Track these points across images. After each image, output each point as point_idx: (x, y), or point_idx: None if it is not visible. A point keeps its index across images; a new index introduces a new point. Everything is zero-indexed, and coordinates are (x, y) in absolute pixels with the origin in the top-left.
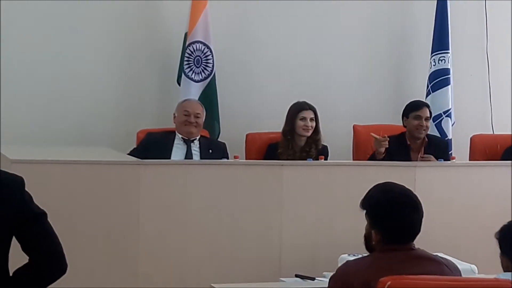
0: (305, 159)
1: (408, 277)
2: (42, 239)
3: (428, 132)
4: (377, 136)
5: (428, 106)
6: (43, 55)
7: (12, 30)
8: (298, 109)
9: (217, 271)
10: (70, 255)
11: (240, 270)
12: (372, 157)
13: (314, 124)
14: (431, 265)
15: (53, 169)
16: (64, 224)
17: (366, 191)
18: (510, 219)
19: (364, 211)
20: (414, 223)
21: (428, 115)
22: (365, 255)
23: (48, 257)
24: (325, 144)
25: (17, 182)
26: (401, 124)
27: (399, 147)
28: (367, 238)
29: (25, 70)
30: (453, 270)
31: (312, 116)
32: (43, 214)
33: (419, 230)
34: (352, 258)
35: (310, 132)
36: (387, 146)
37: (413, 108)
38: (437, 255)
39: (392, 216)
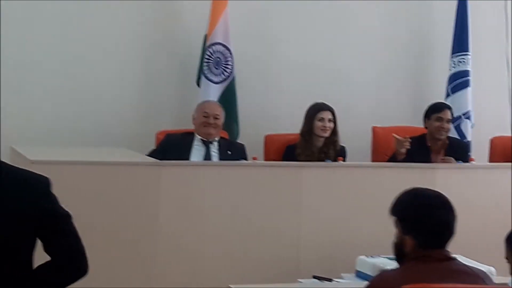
0: (323, 160)
1: (431, 285)
2: (64, 240)
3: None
4: (399, 137)
5: (450, 108)
6: (62, 56)
7: (33, 30)
8: (316, 109)
9: (235, 272)
10: (88, 255)
11: (258, 271)
12: (392, 159)
13: (332, 125)
14: (468, 278)
15: (72, 169)
16: (83, 224)
17: (395, 198)
18: None
19: (395, 218)
20: (450, 225)
21: (450, 117)
22: (397, 265)
23: (69, 257)
24: (343, 145)
25: (44, 183)
26: (420, 126)
27: (420, 148)
28: (399, 246)
29: (45, 70)
30: (490, 284)
31: (330, 117)
32: (68, 216)
33: (453, 232)
34: (370, 259)
35: (328, 133)
36: (409, 147)
37: (435, 110)
38: (474, 267)
39: (428, 218)
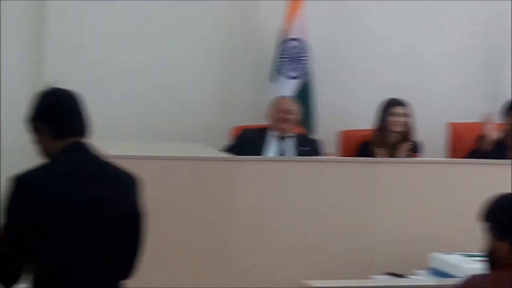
0: (398, 156)
1: None
2: (135, 241)
3: None
4: (491, 127)
5: None
6: (139, 52)
7: (112, 28)
8: (389, 104)
9: (308, 267)
10: (165, 249)
11: (331, 267)
12: (474, 152)
13: (406, 119)
14: None
15: (149, 164)
16: (160, 218)
17: (486, 204)
18: None
19: (488, 224)
20: None
21: None
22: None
23: (128, 259)
24: (418, 140)
25: (138, 181)
26: (498, 122)
27: (498, 145)
28: (491, 253)
29: (122, 66)
30: None
31: (404, 111)
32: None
33: None
34: (444, 256)
35: (402, 128)
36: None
37: None
38: None
39: None
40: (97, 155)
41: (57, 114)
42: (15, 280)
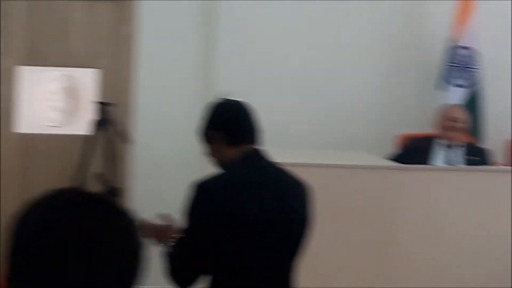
0: None
1: None
2: (302, 246)
3: None
4: None
5: None
6: (307, 60)
7: (280, 36)
8: None
9: (474, 279)
10: (330, 255)
11: (496, 279)
12: None
13: None
14: None
15: (319, 172)
16: (327, 225)
17: None
18: None
19: None
20: None
21: None
22: None
23: None
24: None
25: (308, 189)
26: None
27: None
28: None
29: (290, 75)
30: None
31: None
32: None
33: None
34: None
35: None
36: None
37: None
38: None
39: None
40: (271, 162)
41: (231, 123)
42: (190, 283)
